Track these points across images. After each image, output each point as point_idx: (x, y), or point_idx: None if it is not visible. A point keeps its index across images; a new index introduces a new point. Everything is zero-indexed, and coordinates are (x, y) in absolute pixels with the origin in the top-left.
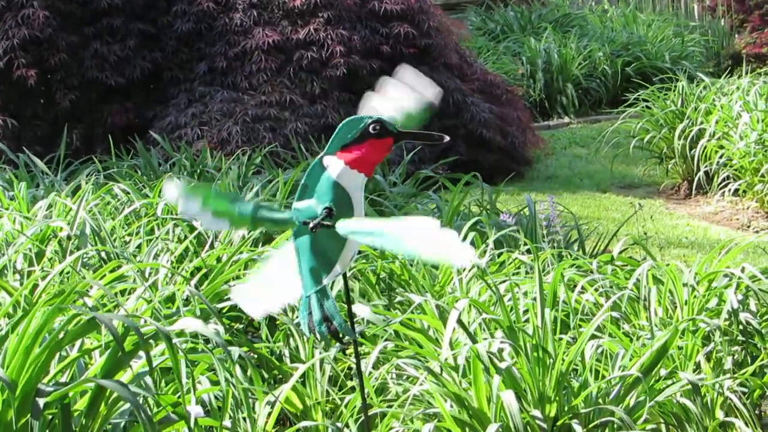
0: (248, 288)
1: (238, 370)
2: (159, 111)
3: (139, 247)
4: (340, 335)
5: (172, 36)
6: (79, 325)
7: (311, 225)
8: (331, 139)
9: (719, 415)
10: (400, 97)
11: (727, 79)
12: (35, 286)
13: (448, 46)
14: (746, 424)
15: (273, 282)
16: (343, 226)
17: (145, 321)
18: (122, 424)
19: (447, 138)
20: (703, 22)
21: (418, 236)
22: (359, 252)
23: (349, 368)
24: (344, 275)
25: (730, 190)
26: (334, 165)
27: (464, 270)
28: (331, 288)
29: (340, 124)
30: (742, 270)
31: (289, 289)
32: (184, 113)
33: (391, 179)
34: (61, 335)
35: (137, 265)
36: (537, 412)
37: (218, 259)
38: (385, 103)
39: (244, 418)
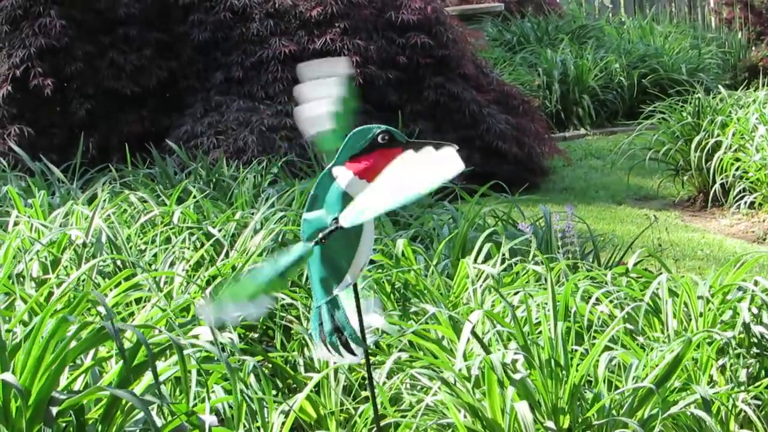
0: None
1: (252, 379)
2: (175, 120)
3: (155, 255)
4: (351, 346)
5: (188, 45)
6: (90, 334)
7: (320, 236)
8: (340, 149)
9: (733, 428)
10: (322, 91)
11: (743, 92)
12: (50, 293)
13: (465, 56)
14: None
15: None
16: (343, 218)
17: (160, 331)
18: None
19: (456, 147)
20: (720, 34)
21: (414, 177)
22: (374, 262)
23: (364, 378)
24: (355, 286)
25: (746, 202)
26: (343, 175)
27: (478, 281)
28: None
29: (349, 134)
30: (755, 283)
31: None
32: (200, 122)
33: None
34: (73, 344)
35: (152, 274)
36: (551, 424)
37: (233, 268)
38: (316, 106)
39: (258, 428)
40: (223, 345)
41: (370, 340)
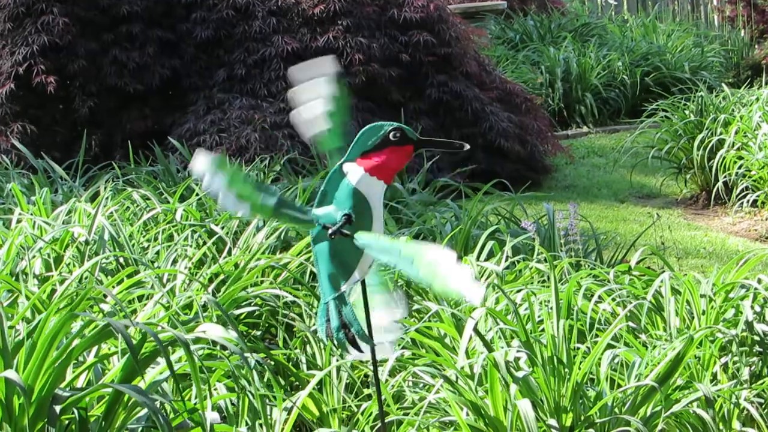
0: None
1: (254, 376)
2: (178, 117)
3: (157, 253)
4: (358, 342)
5: (191, 43)
6: (95, 331)
7: (330, 231)
8: (351, 146)
9: (736, 425)
10: (314, 92)
11: (746, 90)
12: (53, 290)
13: (467, 54)
14: None
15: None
16: (361, 237)
17: (162, 327)
18: (139, 430)
19: (467, 146)
20: (722, 32)
21: (432, 265)
22: None
23: (366, 375)
24: (363, 282)
25: (748, 201)
26: (354, 172)
27: (481, 278)
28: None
29: (361, 131)
30: (759, 281)
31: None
32: (202, 120)
33: (410, 187)
34: (76, 341)
35: (155, 271)
36: (553, 422)
37: (236, 266)
38: (311, 108)
39: (261, 425)
40: (225, 346)
41: (396, 334)
